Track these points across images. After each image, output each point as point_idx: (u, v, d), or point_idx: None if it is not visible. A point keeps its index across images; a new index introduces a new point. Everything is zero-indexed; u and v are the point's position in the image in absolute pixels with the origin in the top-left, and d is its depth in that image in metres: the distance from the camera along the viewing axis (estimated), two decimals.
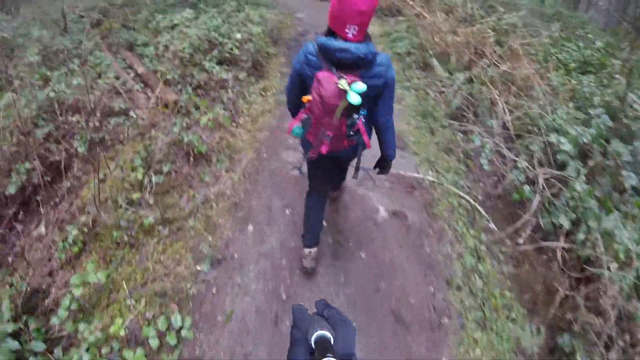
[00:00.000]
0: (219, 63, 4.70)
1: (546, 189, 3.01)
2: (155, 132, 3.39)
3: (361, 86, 1.53)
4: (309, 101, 1.69)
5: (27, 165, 2.88)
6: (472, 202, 3.26)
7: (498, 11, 6.32)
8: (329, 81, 1.57)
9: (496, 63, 4.76)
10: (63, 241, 2.61)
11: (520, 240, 2.89)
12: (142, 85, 4.17)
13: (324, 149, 1.78)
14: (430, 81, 5.20)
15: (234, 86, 4.42)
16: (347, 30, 1.55)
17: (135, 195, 2.76)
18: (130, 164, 2.97)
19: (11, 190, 2.76)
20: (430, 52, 5.59)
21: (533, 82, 4.23)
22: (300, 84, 1.79)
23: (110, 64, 4.24)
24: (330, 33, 1.63)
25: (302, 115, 1.75)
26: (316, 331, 0.61)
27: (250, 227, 2.76)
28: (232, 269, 2.47)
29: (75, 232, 2.60)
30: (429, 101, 4.76)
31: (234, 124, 3.94)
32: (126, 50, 4.75)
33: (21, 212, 3.12)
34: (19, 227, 2.88)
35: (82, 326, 2.07)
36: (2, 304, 2.12)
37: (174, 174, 3.13)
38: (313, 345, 0.60)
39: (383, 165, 2.21)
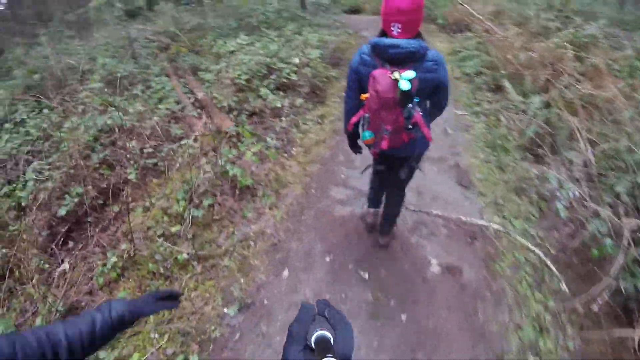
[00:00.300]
0: (277, 89, 5.02)
1: (632, 245, 2.71)
2: (205, 160, 3.69)
3: (410, 73, 1.77)
4: (366, 98, 1.99)
5: (80, 189, 3.29)
6: (543, 256, 3.03)
7: (575, 22, 6.03)
8: (383, 76, 1.84)
9: (575, 83, 4.47)
10: (102, 266, 2.92)
11: (595, 307, 2.61)
12: (200, 111, 4.57)
13: (384, 144, 2.04)
14: (503, 105, 5.03)
15: (288, 114, 4.66)
16: (392, 28, 1.86)
17: (174, 229, 3.00)
18: (175, 195, 3.25)
19: (62, 212, 3.15)
20: (502, 72, 5.45)
21: (619, 104, 3.90)
22: (357, 84, 2.12)
23: (172, 88, 4.74)
24: (383, 34, 1.95)
25: (362, 113, 2.10)
26: (316, 331, 0.67)
27: (286, 272, 2.84)
28: (260, 315, 2.55)
29: (114, 259, 2.89)
30: (500, 129, 4.60)
31: (285, 155, 4.13)
32: (190, 75, 5.27)
33: (74, 231, 3.56)
34: (59, 252, 3.26)
35: (102, 354, 2.29)
36: (35, 320, 2.44)
37: (217, 206, 3.34)
38: (313, 345, 0.65)
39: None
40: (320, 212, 3.43)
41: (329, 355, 0.59)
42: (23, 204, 3.27)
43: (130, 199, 3.50)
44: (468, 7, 8.60)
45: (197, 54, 5.74)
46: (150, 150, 3.80)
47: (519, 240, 3.17)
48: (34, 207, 3.36)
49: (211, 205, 3.26)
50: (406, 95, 1.81)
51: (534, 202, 3.58)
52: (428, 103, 2.20)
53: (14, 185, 3.43)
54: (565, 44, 5.23)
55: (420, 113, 1.95)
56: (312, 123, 4.83)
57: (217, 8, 7.50)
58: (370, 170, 2.84)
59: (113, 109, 3.91)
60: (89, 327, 0.91)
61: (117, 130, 3.80)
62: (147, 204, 3.34)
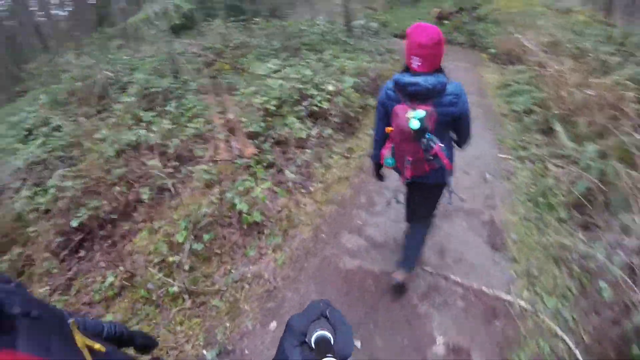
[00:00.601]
0: (308, 116, 5.04)
1: None
2: (219, 189, 3.77)
3: (420, 113, 1.98)
4: (390, 131, 2.20)
5: (96, 203, 3.48)
6: (573, 347, 2.72)
7: (638, 57, 5.66)
8: (403, 112, 2.05)
9: (631, 131, 4.07)
10: (101, 283, 3.08)
11: None
12: (227, 133, 4.69)
13: (408, 173, 2.31)
14: (552, 152, 4.64)
15: (313, 146, 4.66)
16: (412, 62, 2.05)
17: (172, 259, 3.09)
18: (180, 222, 3.36)
19: (74, 223, 3.35)
20: (555, 112, 5.08)
21: None
22: (385, 116, 2.31)
23: (206, 107, 4.91)
24: (406, 69, 2.14)
25: (389, 144, 2.33)
26: (317, 331, 0.69)
27: (274, 324, 2.81)
28: None
29: (111, 278, 3.04)
30: (547, 180, 4.16)
31: (303, 191, 4.14)
32: (226, 94, 5.44)
33: (87, 241, 3.77)
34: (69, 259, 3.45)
35: None
36: None
37: (221, 239, 3.40)
38: (313, 345, 0.68)
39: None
40: (326, 262, 3.35)
41: (329, 355, 0.63)
42: (42, 208, 3.51)
43: (141, 218, 3.66)
44: (520, 37, 8.31)
45: (238, 72, 5.93)
46: (170, 170, 3.95)
47: (548, 324, 2.81)
48: (53, 213, 3.61)
49: (214, 239, 3.32)
50: (418, 132, 2.02)
51: (575, 275, 3.13)
52: (450, 134, 2.38)
53: (39, 189, 3.70)
54: (627, 82, 4.88)
55: (441, 145, 2.14)
56: (338, 157, 4.80)
57: (265, 27, 7.74)
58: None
59: (143, 124, 4.12)
60: (98, 329, 1.07)
61: (141, 146, 4.00)
62: (156, 226, 3.46)
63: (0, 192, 3.59)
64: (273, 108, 4.81)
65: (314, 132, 4.80)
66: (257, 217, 3.51)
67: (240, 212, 3.45)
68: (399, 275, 2.88)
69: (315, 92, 5.19)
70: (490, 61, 9.27)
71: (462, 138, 2.40)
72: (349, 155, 4.90)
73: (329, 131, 5.00)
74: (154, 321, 2.82)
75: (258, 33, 7.30)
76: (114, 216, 3.62)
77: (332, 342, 0.68)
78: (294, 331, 0.70)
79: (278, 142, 4.62)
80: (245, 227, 3.51)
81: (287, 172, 4.16)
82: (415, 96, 2.06)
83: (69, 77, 5.00)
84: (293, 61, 6.03)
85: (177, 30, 7.54)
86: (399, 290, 2.96)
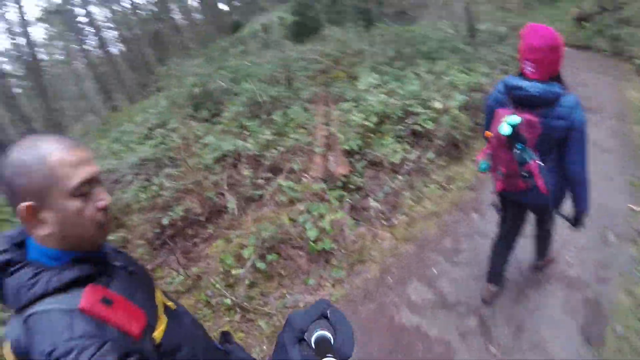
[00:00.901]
0: (412, 135, 4.91)
1: None
2: (301, 207, 3.97)
3: (515, 119, 1.91)
4: (489, 136, 2.16)
5: (189, 204, 4.03)
6: None
7: None
8: (503, 117, 1.99)
9: None
10: (173, 278, 3.59)
11: None
12: (325, 148, 4.79)
13: (499, 186, 2.29)
14: None
15: (407, 172, 4.53)
16: (525, 66, 1.98)
17: (235, 272, 3.43)
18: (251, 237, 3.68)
19: (165, 221, 3.93)
20: None
21: None
22: (491, 120, 2.22)
23: (311, 117, 5.14)
24: (520, 74, 2.07)
25: (487, 150, 2.29)
26: (317, 331, 0.76)
27: None
28: None
29: (183, 277, 3.54)
30: None
31: (385, 223, 4.08)
32: (333, 104, 5.59)
33: (176, 236, 4.39)
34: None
35: None
36: None
37: (288, 261, 3.60)
38: (313, 345, 0.74)
39: (573, 220, 2.36)
40: (381, 310, 3.17)
41: (329, 355, 0.68)
42: (145, 203, 4.21)
43: (225, 225, 4.11)
44: None
45: (350, 81, 6.03)
46: (262, 181, 4.31)
47: None
48: (153, 207, 4.29)
49: (279, 259, 3.55)
50: (510, 139, 1.95)
51: None
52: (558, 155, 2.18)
53: (147, 184, 4.43)
54: None
55: (539, 163, 1.99)
56: (434, 186, 4.55)
57: (386, 32, 7.62)
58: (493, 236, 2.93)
59: (247, 132, 4.57)
60: None
61: (239, 155, 4.44)
62: (232, 236, 3.85)
63: (117, 182, 4.39)
64: (372, 125, 4.78)
65: (412, 155, 4.64)
66: (326, 245, 3.58)
67: (308, 238, 3.61)
68: (537, 265, 3.20)
69: (420, 110, 4.97)
70: (636, 74, 7.67)
71: (568, 166, 2.09)
72: (447, 186, 4.62)
73: (431, 155, 4.76)
74: (208, 324, 3.19)
75: (377, 39, 7.26)
76: (201, 219, 4.13)
77: (332, 342, 0.73)
78: (294, 328, 0.76)
79: (373, 163, 4.58)
80: (315, 252, 3.65)
81: (371, 199, 4.15)
82: (521, 102, 1.98)
83: (190, 83, 5.74)
84: (405, 71, 5.86)
85: (299, 35, 7.93)
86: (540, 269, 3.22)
